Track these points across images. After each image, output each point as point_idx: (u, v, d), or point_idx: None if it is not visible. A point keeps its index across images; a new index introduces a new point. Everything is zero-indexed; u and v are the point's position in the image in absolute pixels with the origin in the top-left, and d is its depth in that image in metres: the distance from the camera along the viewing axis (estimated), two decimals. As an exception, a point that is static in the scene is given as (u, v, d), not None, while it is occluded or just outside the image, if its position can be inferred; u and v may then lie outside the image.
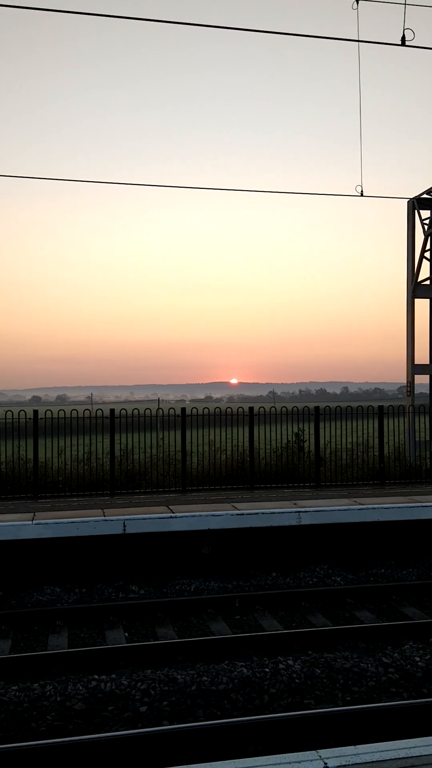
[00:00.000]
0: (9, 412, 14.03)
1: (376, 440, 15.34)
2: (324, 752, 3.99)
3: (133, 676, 6.72)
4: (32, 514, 11.28)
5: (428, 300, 17.72)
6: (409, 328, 17.47)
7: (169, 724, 5.84)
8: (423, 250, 17.44)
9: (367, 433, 15.55)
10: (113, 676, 6.74)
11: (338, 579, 10.68)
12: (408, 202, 17.57)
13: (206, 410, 14.80)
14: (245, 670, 6.73)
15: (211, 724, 5.58)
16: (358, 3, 11.28)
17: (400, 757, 3.96)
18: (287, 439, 15.26)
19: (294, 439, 15.42)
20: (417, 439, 16.60)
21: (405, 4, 11.24)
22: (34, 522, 10.46)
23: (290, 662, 6.95)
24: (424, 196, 17.31)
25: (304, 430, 15.47)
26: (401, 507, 11.66)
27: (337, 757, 3.93)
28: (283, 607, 9.50)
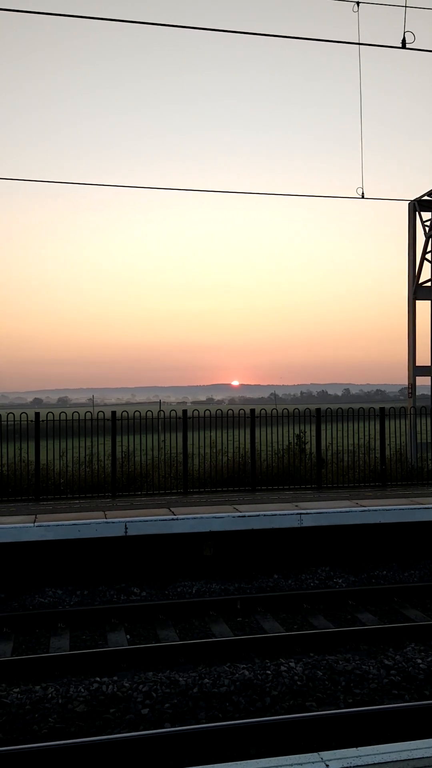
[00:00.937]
0: (11, 414, 14.05)
1: (378, 442, 15.34)
2: (326, 754, 3.99)
3: (135, 678, 6.72)
4: (34, 516, 11.29)
5: (429, 302, 17.72)
6: (410, 330, 17.48)
7: (171, 727, 5.85)
8: (424, 252, 17.46)
9: (369, 434, 15.55)
10: (115, 678, 6.74)
11: (340, 581, 10.67)
12: (409, 204, 17.59)
13: (207, 412, 14.81)
14: (247, 672, 6.73)
15: (212, 727, 5.57)
16: (358, 6, 11.28)
17: (402, 759, 3.95)
18: (289, 440, 15.26)
19: (295, 440, 15.42)
20: (419, 440, 16.60)
21: (405, 6, 11.26)
22: (36, 524, 10.47)
23: (292, 664, 6.95)
24: (425, 197, 17.33)
25: (305, 432, 15.46)
26: (403, 509, 11.65)
27: (338, 759, 3.93)
28: (285, 609, 9.50)
